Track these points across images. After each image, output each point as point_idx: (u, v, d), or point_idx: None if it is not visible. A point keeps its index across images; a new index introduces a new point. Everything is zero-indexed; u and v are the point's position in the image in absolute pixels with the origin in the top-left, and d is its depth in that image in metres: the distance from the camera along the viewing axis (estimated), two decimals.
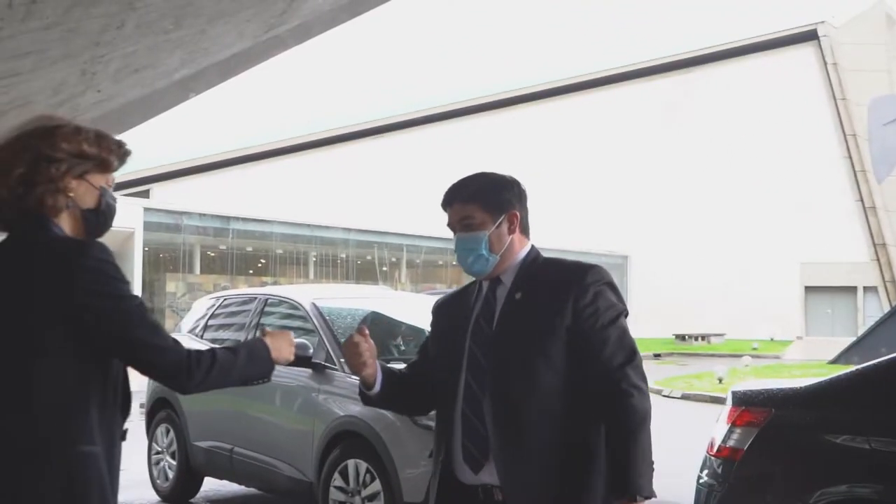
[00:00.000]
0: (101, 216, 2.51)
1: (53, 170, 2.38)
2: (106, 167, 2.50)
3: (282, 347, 2.69)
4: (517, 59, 54.15)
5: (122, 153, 2.54)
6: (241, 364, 2.58)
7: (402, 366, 3.17)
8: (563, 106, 52.37)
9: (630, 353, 2.79)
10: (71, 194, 2.43)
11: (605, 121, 51.94)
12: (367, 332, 2.94)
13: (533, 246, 3.01)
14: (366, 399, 3.04)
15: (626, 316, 2.88)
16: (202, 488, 8.81)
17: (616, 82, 52.31)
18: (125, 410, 2.51)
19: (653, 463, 2.80)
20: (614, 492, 2.75)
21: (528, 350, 2.79)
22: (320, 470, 6.88)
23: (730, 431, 5.01)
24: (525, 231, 2.99)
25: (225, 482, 8.62)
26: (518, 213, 2.94)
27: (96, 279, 2.32)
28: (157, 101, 6.64)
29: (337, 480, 6.75)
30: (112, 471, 2.41)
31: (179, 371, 2.42)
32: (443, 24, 62.68)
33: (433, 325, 3.14)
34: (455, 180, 2.99)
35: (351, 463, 6.69)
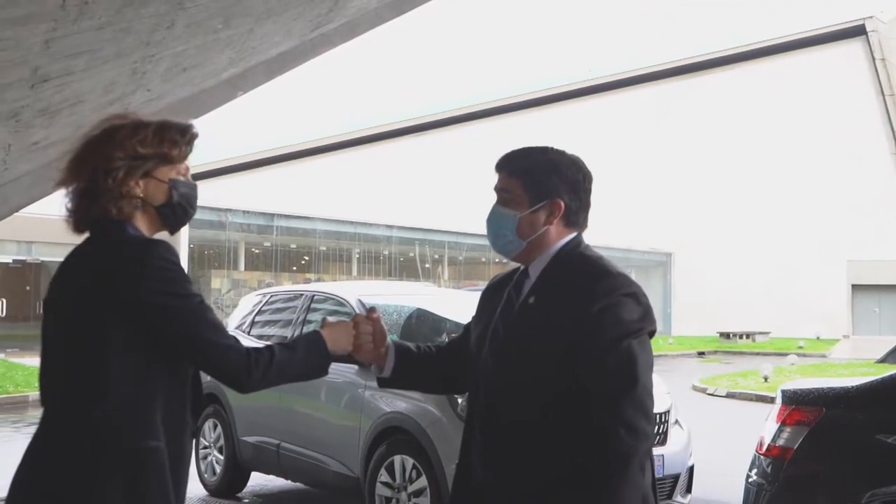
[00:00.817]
0: (176, 208, 2.54)
1: (111, 180, 2.43)
2: (170, 160, 2.52)
3: (339, 339, 2.70)
4: (561, 55, 53.95)
5: (187, 140, 2.56)
6: (299, 360, 2.59)
7: None
8: (609, 101, 52.11)
9: (628, 382, 2.41)
10: (140, 195, 2.47)
11: (651, 117, 51.60)
12: (376, 315, 2.87)
13: (574, 237, 2.68)
14: (379, 381, 2.96)
15: (644, 334, 2.51)
16: (249, 483, 8.88)
17: (661, 78, 51.93)
18: (195, 408, 2.54)
19: None
20: None
21: (527, 367, 2.53)
22: (367, 465, 6.91)
23: (779, 430, 4.96)
24: (573, 223, 2.68)
25: (271, 477, 8.69)
26: (563, 203, 2.63)
27: (161, 278, 2.35)
28: (206, 99, 6.70)
29: (383, 476, 6.78)
30: (178, 467, 2.42)
31: (240, 370, 2.45)
32: (487, 21, 62.60)
33: (480, 305, 2.90)
34: (520, 147, 2.76)
35: (397, 459, 6.72)
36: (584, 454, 2.41)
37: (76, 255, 2.49)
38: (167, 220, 2.56)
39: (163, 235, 2.62)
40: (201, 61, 5.45)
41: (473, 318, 2.89)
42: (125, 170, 2.44)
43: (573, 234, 2.69)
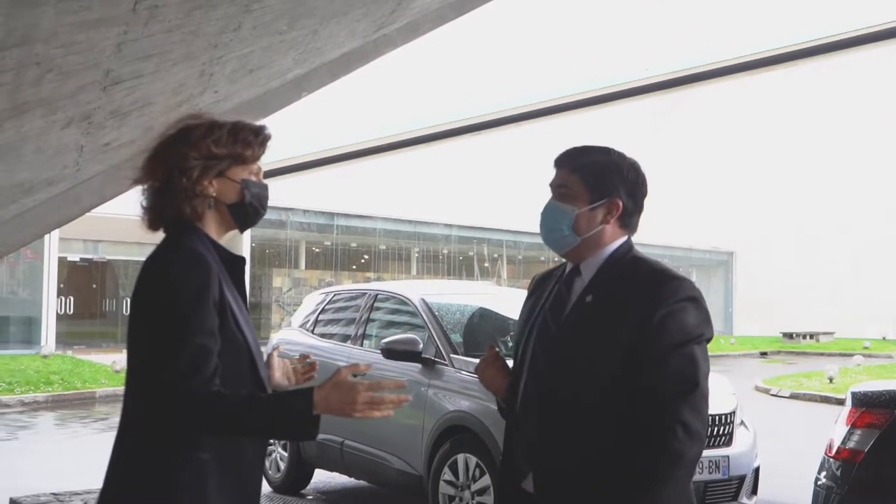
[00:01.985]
0: (247, 208, 2.57)
1: (185, 180, 2.47)
2: (244, 161, 2.56)
3: (336, 401, 2.32)
4: (618, 52, 53.62)
5: (260, 141, 2.59)
6: (260, 412, 2.31)
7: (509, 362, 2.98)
8: (674, 98, 51.58)
9: (688, 385, 2.44)
10: (213, 194, 2.51)
11: (717, 115, 51.04)
12: (496, 350, 2.86)
13: (628, 240, 2.73)
14: (505, 414, 2.88)
15: (707, 341, 2.55)
16: (313, 480, 8.96)
17: (727, 74, 51.31)
18: None
19: None
20: None
21: (582, 362, 2.55)
22: (430, 464, 6.93)
23: (850, 433, 4.89)
24: (627, 225, 2.72)
25: (335, 474, 8.76)
26: (621, 203, 2.67)
27: (163, 285, 2.37)
28: (271, 100, 6.77)
29: (447, 474, 6.80)
30: (230, 475, 2.38)
31: (180, 376, 2.28)
32: (544, 19, 62.44)
33: (524, 302, 2.94)
34: (581, 145, 2.78)
35: (461, 457, 6.73)
36: (635, 451, 2.43)
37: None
38: (238, 219, 2.59)
39: (231, 234, 2.65)
40: (267, 62, 5.50)
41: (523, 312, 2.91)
42: (200, 169, 2.48)
43: (626, 237, 2.72)
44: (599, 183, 2.66)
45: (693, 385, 2.45)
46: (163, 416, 2.29)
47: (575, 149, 2.76)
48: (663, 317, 2.48)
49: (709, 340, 2.57)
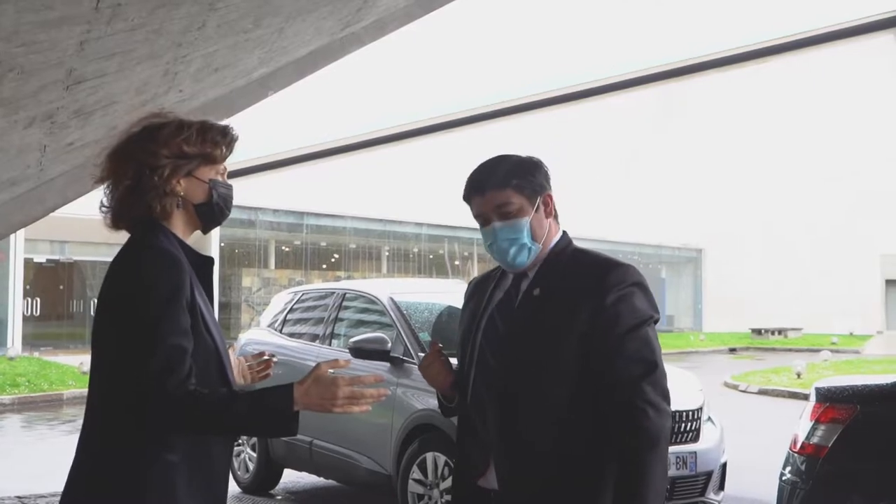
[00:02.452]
0: (214, 208, 2.55)
1: (156, 178, 2.45)
2: (212, 160, 2.55)
3: (317, 396, 2.31)
4: (587, 49, 53.78)
5: (228, 141, 2.58)
6: (244, 409, 2.29)
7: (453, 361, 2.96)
8: (638, 96, 51.84)
9: (648, 366, 2.51)
10: (181, 193, 2.50)
11: (681, 112, 51.31)
12: (439, 347, 2.86)
13: (565, 233, 2.77)
14: (446, 411, 2.92)
15: (654, 322, 2.60)
16: (281, 480, 8.94)
17: (691, 73, 51.61)
18: None
19: (665, 490, 2.53)
20: None
21: (539, 355, 2.57)
22: (399, 463, 6.93)
23: (813, 428, 4.94)
24: (556, 217, 2.75)
25: (304, 474, 8.75)
26: (551, 195, 2.72)
27: (134, 281, 2.35)
28: (237, 99, 6.73)
29: (415, 473, 6.80)
30: (198, 475, 2.36)
31: (157, 376, 2.25)
32: (512, 17, 62.53)
33: (463, 307, 2.96)
34: (474, 168, 2.76)
35: (430, 456, 6.73)
36: (609, 438, 2.50)
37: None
38: (204, 219, 2.57)
39: (195, 234, 2.64)
40: (232, 61, 5.48)
41: (459, 322, 2.94)
42: (171, 168, 2.46)
43: (562, 231, 2.77)
44: (529, 184, 2.67)
45: (653, 365, 2.52)
46: (137, 417, 2.25)
47: (482, 170, 2.73)
48: (615, 302, 2.53)
49: (656, 322, 2.63)
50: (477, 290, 2.91)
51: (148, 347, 2.25)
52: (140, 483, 2.28)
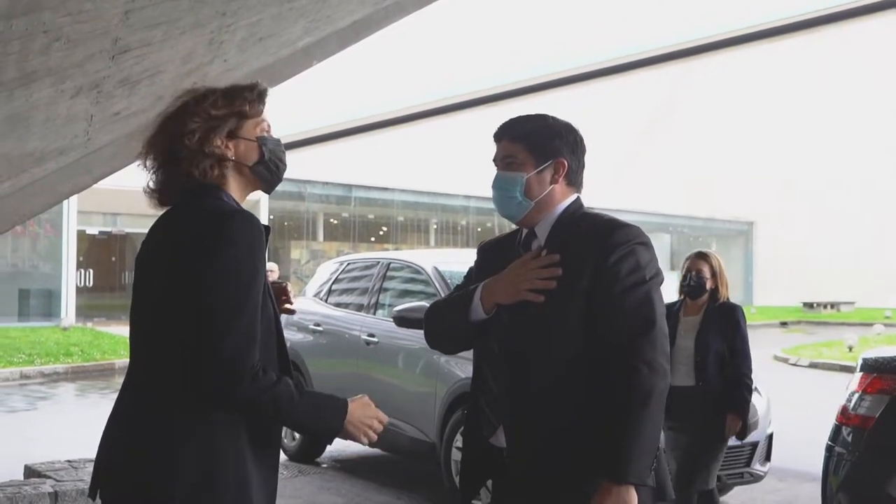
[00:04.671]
0: (269, 164, 2.55)
1: (187, 141, 2.43)
2: (247, 116, 2.52)
3: (359, 418, 2.50)
4: (634, 22, 53.18)
5: (256, 94, 2.56)
6: (310, 407, 2.40)
7: None
8: (690, 67, 51.19)
9: (646, 323, 2.55)
10: (232, 157, 2.49)
11: (733, 85, 50.62)
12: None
13: (578, 198, 2.83)
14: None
15: (658, 283, 2.65)
16: (327, 449, 9.01)
17: (741, 43, 50.82)
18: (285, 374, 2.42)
19: (656, 449, 2.55)
20: (602, 472, 2.51)
21: (546, 313, 2.63)
22: (443, 431, 6.96)
23: (860, 399, 4.88)
24: (574, 183, 2.82)
25: (349, 443, 8.80)
26: (567, 163, 2.77)
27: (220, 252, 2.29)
28: (282, 69, 6.75)
29: (459, 441, 6.82)
30: (254, 443, 2.37)
31: (235, 363, 2.24)
32: None
33: (475, 267, 3.01)
34: (516, 116, 2.86)
35: None
36: (607, 396, 2.54)
37: (158, 224, 2.50)
38: (263, 179, 2.56)
39: (255, 197, 2.62)
40: (276, 31, 5.49)
41: (473, 279, 2.96)
42: (201, 132, 2.45)
43: (575, 195, 2.83)
44: (542, 146, 2.76)
45: (651, 323, 2.56)
46: (199, 395, 2.25)
47: (511, 120, 2.86)
48: (616, 260, 2.59)
49: (661, 283, 2.67)
50: (491, 254, 2.95)
51: (226, 327, 2.22)
52: (210, 455, 2.28)
